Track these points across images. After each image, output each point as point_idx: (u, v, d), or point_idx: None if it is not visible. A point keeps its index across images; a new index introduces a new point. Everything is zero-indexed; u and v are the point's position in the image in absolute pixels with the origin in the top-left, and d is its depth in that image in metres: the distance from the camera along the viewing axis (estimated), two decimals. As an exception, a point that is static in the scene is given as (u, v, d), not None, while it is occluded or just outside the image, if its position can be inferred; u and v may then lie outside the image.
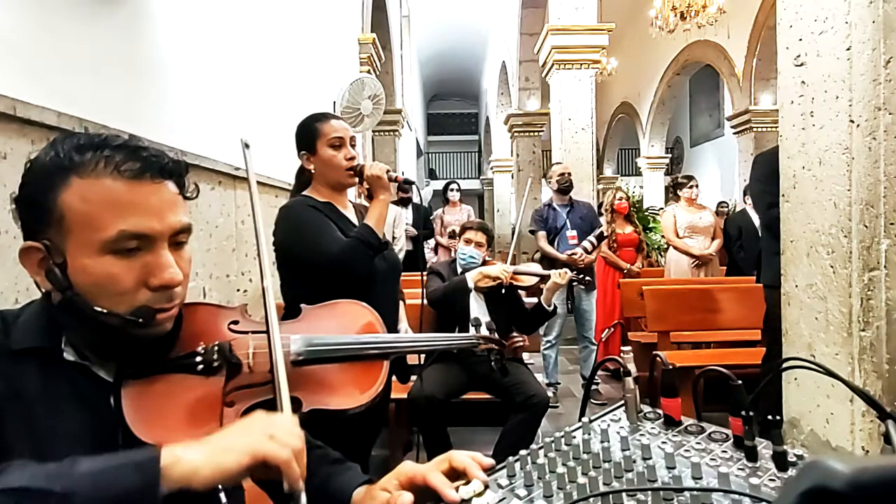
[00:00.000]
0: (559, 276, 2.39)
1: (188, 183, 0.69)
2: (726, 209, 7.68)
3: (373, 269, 1.45)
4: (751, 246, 4.21)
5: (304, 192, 1.54)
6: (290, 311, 1.40)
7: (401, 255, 4.36)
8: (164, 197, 0.63)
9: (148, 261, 0.62)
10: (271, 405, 0.67)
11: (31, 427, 0.58)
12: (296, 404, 0.70)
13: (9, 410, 0.58)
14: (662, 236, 5.04)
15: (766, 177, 1.88)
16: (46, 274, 0.61)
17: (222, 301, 2.30)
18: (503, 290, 2.37)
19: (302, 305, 0.88)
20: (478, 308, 2.50)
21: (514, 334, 1.06)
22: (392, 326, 1.62)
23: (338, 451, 0.83)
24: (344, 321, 0.85)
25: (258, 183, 2.84)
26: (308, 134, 1.51)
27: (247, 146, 0.88)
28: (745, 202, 4.53)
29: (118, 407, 0.62)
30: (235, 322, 0.75)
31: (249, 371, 0.69)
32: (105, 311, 0.60)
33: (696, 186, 4.27)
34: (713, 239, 4.17)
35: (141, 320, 0.61)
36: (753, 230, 4.20)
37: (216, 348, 0.68)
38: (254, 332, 0.73)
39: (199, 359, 0.67)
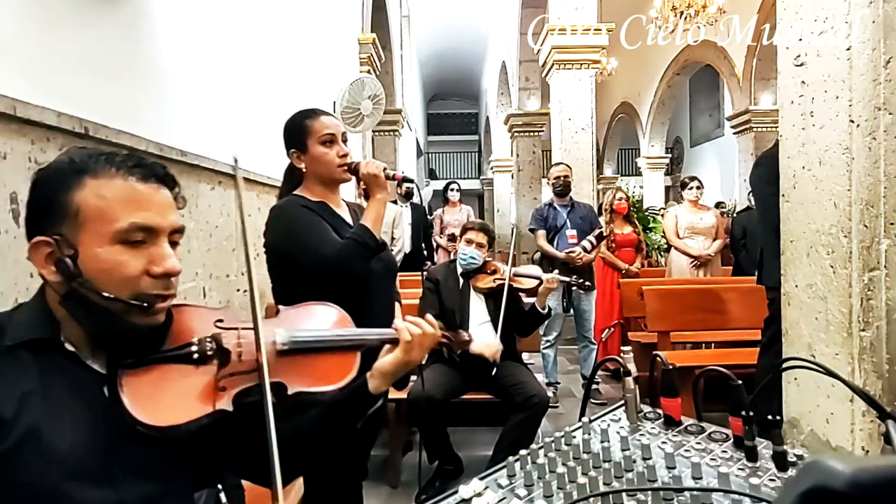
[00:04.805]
0: (548, 281, 2.40)
1: (178, 194, 0.78)
2: (725, 209, 7.68)
3: (368, 270, 1.40)
4: (754, 246, 4.20)
5: (295, 192, 1.47)
6: None
7: (400, 257, 4.34)
8: (164, 199, 0.73)
9: (151, 251, 0.70)
10: (259, 389, 0.76)
11: (25, 417, 0.63)
12: (281, 388, 0.79)
13: (6, 403, 0.62)
14: (662, 236, 5.04)
15: (773, 179, 1.86)
16: (56, 265, 0.67)
17: (222, 301, 2.30)
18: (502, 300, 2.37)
19: (279, 307, 0.95)
20: (478, 309, 2.50)
21: (461, 331, 1.09)
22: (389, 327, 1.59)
23: (336, 451, 0.91)
24: (318, 319, 0.96)
25: (259, 183, 2.82)
26: (298, 131, 1.44)
27: (235, 163, 0.95)
28: (749, 200, 4.52)
29: (112, 396, 0.67)
30: (220, 320, 0.82)
31: (238, 360, 0.77)
32: (111, 296, 0.67)
33: (698, 188, 4.28)
34: (714, 239, 4.18)
35: (146, 304, 0.69)
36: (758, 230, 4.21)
37: (209, 339, 0.75)
38: (241, 329, 0.81)
39: (194, 348, 0.74)
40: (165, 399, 0.70)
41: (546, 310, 2.45)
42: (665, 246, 4.60)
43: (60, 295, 0.68)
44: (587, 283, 2.70)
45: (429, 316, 0.98)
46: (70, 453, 0.63)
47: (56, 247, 0.66)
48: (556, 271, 2.55)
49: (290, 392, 0.79)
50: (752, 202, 4.38)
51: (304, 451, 0.88)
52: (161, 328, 0.73)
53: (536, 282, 2.46)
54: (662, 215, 5.92)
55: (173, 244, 0.74)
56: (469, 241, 2.52)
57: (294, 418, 0.87)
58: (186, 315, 0.80)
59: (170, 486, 0.72)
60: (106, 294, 0.66)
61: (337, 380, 0.83)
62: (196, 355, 0.73)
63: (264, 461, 0.70)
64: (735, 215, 5.56)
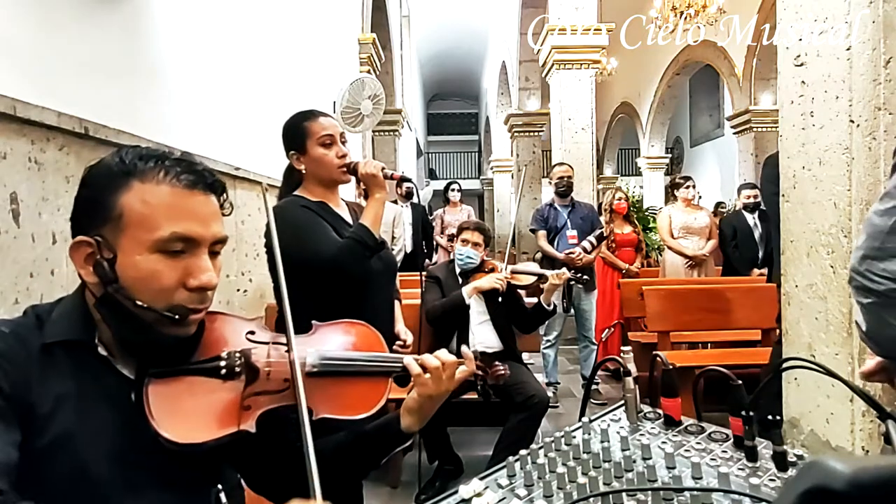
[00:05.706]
0: (555, 276, 2.40)
1: (225, 200, 0.76)
2: (725, 210, 7.67)
3: (368, 269, 1.41)
4: (746, 246, 4.21)
5: (295, 192, 1.48)
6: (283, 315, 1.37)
7: (400, 256, 4.35)
8: (210, 209, 0.71)
9: (189, 263, 0.68)
10: (285, 411, 0.74)
11: (59, 417, 0.62)
12: (308, 412, 0.76)
13: (38, 401, 0.62)
14: (661, 236, 5.02)
15: (778, 180, 1.87)
16: (94, 267, 0.66)
17: (222, 301, 2.30)
18: (500, 298, 2.37)
19: (313, 322, 0.91)
20: (477, 308, 2.50)
21: (497, 363, 1.04)
22: (388, 327, 1.58)
23: (353, 480, 0.87)
24: (352, 340, 0.92)
25: (259, 184, 2.81)
26: (297, 133, 1.45)
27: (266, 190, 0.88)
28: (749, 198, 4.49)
29: (139, 403, 0.66)
30: (252, 332, 0.79)
31: (266, 378, 0.74)
32: (144, 305, 0.65)
33: (693, 187, 4.28)
34: (708, 239, 4.18)
35: (177, 317, 0.66)
36: (748, 230, 4.22)
37: (238, 354, 0.73)
38: (273, 343, 0.78)
39: (222, 363, 0.72)
40: (189, 413, 0.68)
41: (552, 306, 2.46)
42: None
43: (96, 297, 0.67)
44: (585, 276, 2.70)
45: (465, 349, 0.92)
46: (97, 460, 0.63)
47: (97, 248, 0.65)
48: (564, 268, 2.56)
49: (314, 418, 0.76)
50: (741, 203, 4.39)
51: (323, 475, 0.84)
52: (193, 336, 0.72)
53: (534, 278, 2.46)
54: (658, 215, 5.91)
55: (215, 254, 0.72)
56: (465, 241, 2.52)
57: (320, 438, 0.83)
58: (219, 324, 0.78)
59: (189, 496, 0.71)
60: (139, 303, 0.65)
61: (365, 409, 0.80)
62: (224, 370, 0.71)
63: (274, 477, 0.68)
64: (725, 216, 5.56)
